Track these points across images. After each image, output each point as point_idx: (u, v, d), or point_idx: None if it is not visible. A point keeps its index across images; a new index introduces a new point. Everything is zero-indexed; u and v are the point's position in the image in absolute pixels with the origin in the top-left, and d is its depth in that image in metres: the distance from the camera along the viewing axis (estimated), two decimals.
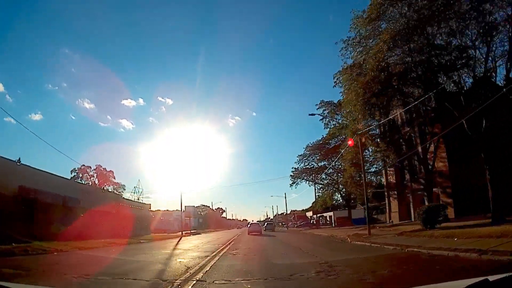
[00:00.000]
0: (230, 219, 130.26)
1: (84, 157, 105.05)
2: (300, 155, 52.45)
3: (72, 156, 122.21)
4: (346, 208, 59.21)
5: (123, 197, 42.69)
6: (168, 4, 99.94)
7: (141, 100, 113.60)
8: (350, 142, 41.15)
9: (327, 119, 42.24)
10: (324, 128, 47.90)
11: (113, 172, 66.88)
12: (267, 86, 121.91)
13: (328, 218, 60.91)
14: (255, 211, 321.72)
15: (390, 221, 34.79)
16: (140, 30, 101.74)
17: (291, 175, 52.98)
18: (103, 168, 66.81)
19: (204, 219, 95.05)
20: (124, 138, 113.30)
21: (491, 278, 1.75)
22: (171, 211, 69.11)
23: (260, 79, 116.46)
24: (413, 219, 31.11)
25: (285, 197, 75.50)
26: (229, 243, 20.38)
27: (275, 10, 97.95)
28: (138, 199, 57.28)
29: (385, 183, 39.23)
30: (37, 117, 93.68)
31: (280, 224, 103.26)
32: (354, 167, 33.13)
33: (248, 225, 45.08)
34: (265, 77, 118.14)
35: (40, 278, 7.40)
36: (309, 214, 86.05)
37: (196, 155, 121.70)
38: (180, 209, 79.14)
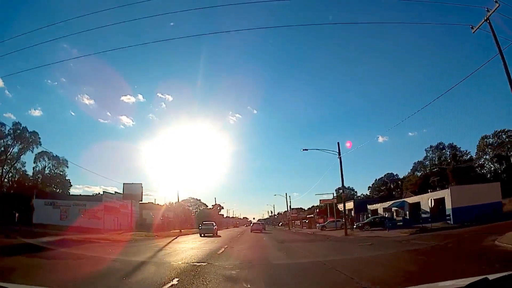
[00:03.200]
0: (228, 217, 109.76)
1: (84, 153, 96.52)
2: None
3: (73, 153, 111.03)
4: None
5: None
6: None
7: (140, 97, 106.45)
8: None
9: None
10: None
11: (38, 135, 47.01)
12: (268, 83, 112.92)
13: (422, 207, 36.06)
14: (260, 208, 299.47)
15: None
16: (140, 26, 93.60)
17: None
18: (23, 127, 44.96)
19: (199, 216, 77.43)
20: (124, 135, 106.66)
21: (491, 276, 1.73)
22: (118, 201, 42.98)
23: (261, 77, 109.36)
24: None
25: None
26: None
27: (278, 7, 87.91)
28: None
29: None
30: (37, 112, 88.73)
31: (298, 222, 78.09)
32: None
33: (252, 224, 56.43)
34: (267, 74, 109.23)
35: None
36: (348, 205, 61.96)
37: (196, 151, 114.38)
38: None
